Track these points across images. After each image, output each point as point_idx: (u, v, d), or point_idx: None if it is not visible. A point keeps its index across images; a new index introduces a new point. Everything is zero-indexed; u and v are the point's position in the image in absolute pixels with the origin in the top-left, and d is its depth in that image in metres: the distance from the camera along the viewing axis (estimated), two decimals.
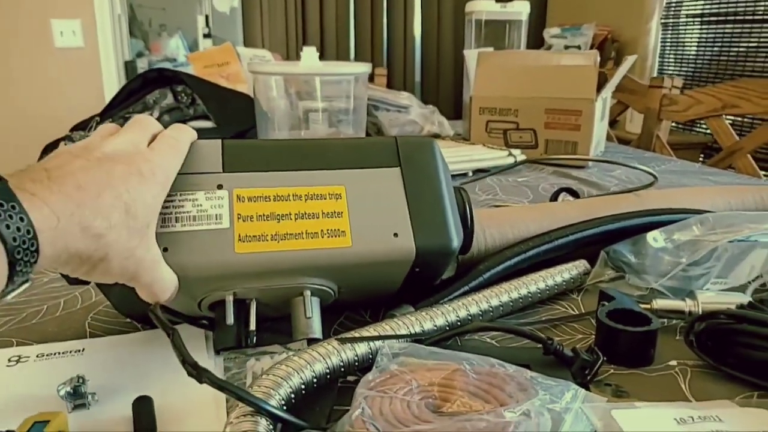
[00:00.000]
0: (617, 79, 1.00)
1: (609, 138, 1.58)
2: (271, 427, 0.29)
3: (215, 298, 0.39)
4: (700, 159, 1.99)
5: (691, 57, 2.26)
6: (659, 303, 0.44)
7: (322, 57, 2.66)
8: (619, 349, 0.40)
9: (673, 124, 2.25)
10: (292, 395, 0.32)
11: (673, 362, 0.40)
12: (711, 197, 0.61)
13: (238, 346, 0.39)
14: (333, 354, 0.35)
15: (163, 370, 0.38)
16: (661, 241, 0.52)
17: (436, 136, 1.18)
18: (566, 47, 2.28)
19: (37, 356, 0.39)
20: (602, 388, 0.38)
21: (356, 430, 0.28)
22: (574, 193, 0.70)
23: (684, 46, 2.30)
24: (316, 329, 0.40)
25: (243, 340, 0.39)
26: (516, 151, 0.98)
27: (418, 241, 0.40)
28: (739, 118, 1.90)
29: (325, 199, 0.40)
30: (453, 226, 0.42)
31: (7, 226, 0.25)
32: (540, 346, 0.38)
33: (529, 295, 0.46)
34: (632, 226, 0.54)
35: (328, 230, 0.39)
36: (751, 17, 1.97)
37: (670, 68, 2.37)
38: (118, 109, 0.91)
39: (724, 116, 1.27)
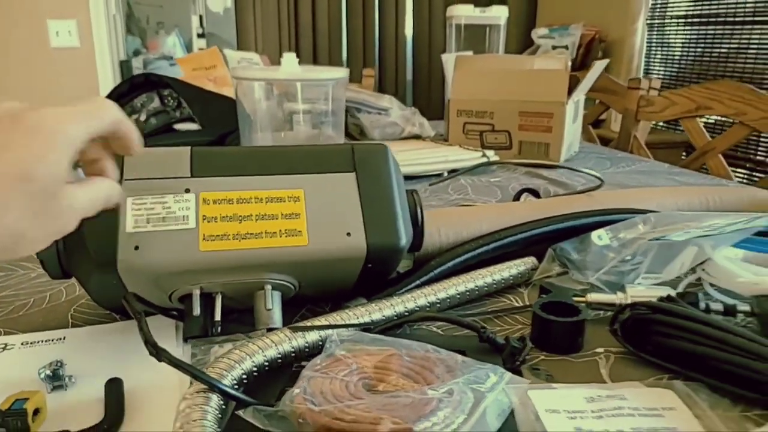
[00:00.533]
0: (588, 83, 1.04)
1: (591, 138, 1.62)
2: (222, 403, 0.33)
3: (184, 291, 0.43)
4: (683, 157, 2.03)
5: (675, 57, 2.30)
6: (593, 296, 0.48)
7: (314, 57, 2.70)
8: (551, 337, 0.44)
9: (661, 124, 2.30)
10: (244, 376, 0.36)
11: (600, 349, 0.44)
12: (660, 198, 0.65)
13: (204, 335, 0.43)
14: (285, 341, 0.39)
15: (136, 356, 0.42)
16: (605, 239, 0.56)
17: (417, 137, 1.21)
18: (554, 47, 2.32)
19: (21, 344, 0.43)
20: (533, 373, 0.42)
21: (295, 405, 0.32)
22: (536, 194, 0.74)
23: (669, 46, 2.34)
24: (276, 320, 0.44)
25: (209, 329, 0.43)
26: (490, 152, 1.02)
27: (369, 239, 0.44)
28: (714, 119, 1.94)
29: (284, 201, 0.44)
30: (402, 226, 0.46)
31: None
32: (476, 334, 0.42)
33: (476, 288, 0.50)
34: (579, 225, 0.58)
35: (286, 230, 0.43)
36: (732, 19, 2.01)
37: (655, 68, 2.41)
38: None
39: (698, 117, 1.31)
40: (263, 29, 2.63)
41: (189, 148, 0.45)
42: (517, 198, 0.75)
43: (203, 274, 0.42)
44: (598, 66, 1.02)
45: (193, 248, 0.41)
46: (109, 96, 0.96)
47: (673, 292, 0.46)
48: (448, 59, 1.10)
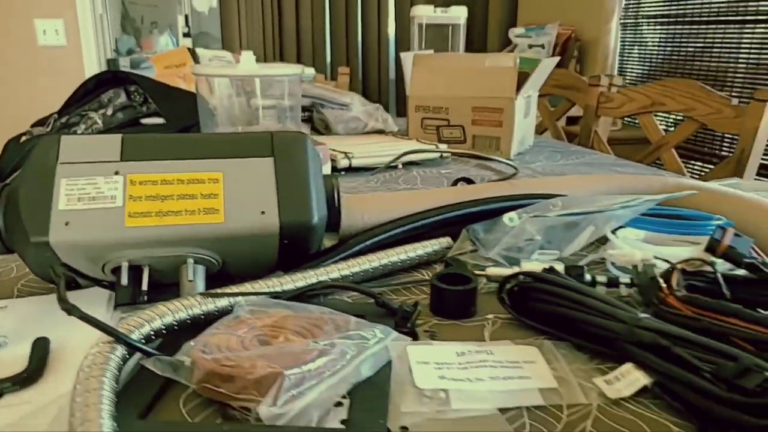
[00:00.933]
0: (537, 80, 1.09)
1: (558, 134, 1.67)
2: (127, 354, 0.38)
3: (114, 264, 0.48)
4: None
5: (648, 56, 2.35)
6: (492, 270, 0.53)
7: (298, 56, 2.74)
8: (444, 304, 0.49)
9: (627, 120, 2.35)
10: (152, 334, 0.40)
11: (490, 316, 0.49)
12: (578, 184, 0.70)
13: (132, 303, 0.48)
14: (195, 306, 0.44)
15: (67, 320, 0.46)
16: (516, 221, 0.60)
17: (381, 131, 1.26)
18: (530, 46, 2.37)
19: None
20: (424, 335, 0.46)
21: (191, 354, 0.37)
22: (471, 182, 0.79)
23: (642, 45, 2.39)
24: (199, 290, 0.48)
25: (137, 297, 0.48)
26: (443, 146, 1.07)
27: (282, 217, 0.49)
28: (673, 117, 2.00)
29: (204, 183, 0.49)
30: (315, 205, 0.50)
31: None
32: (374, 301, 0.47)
33: (389, 264, 0.55)
34: (495, 208, 0.62)
35: (204, 209, 0.48)
36: (698, 19, 2.06)
37: (630, 66, 2.46)
38: (74, 107, 0.99)
39: (653, 113, 1.36)
40: (248, 28, 2.68)
41: (121, 135, 0.50)
42: (453, 186, 0.80)
43: (129, 247, 0.47)
44: (546, 63, 1.07)
45: (119, 224, 0.46)
46: (76, 92, 1.01)
47: (560, 266, 0.51)
48: (407, 57, 1.15)
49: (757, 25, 1.84)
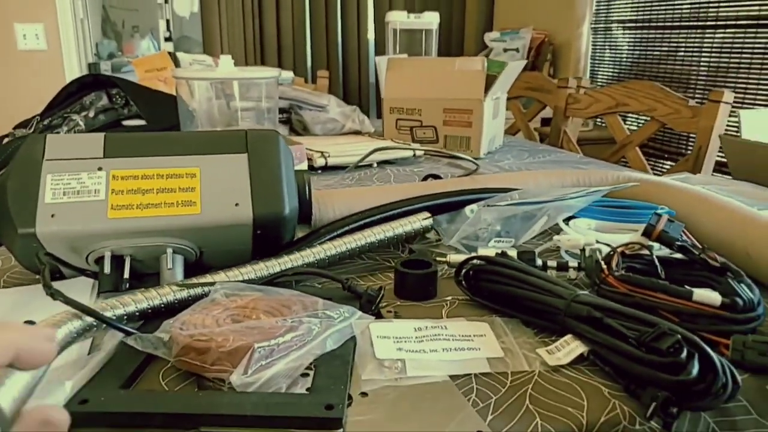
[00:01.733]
0: (504, 82, 1.14)
1: (531, 135, 1.72)
2: (95, 325, 0.41)
3: (98, 254, 0.51)
4: None
5: (617, 60, 2.42)
6: (452, 257, 0.57)
7: (279, 60, 2.76)
8: (406, 287, 0.53)
9: (599, 121, 2.42)
10: (125, 316, 0.44)
11: (449, 297, 0.53)
12: (537, 178, 0.74)
13: (115, 290, 0.51)
14: (169, 294, 0.47)
15: (52, 306, 0.50)
16: (477, 211, 0.65)
17: (357, 132, 1.30)
18: (505, 50, 2.43)
19: None
20: (388, 316, 0.50)
21: (169, 331, 0.41)
22: (439, 178, 0.83)
23: (612, 49, 2.46)
24: (177, 278, 0.52)
25: (119, 285, 0.51)
26: (416, 145, 1.11)
27: (255, 209, 0.53)
28: (641, 117, 2.08)
29: (182, 177, 0.53)
30: (286, 198, 0.54)
31: None
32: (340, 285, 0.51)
33: (357, 248, 0.58)
34: (459, 200, 0.67)
35: (182, 201, 0.52)
36: (663, 24, 2.14)
37: (601, 70, 2.53)
38: (57, 110, 1.02)
39: (617, 114, 1.41)
40: (229, 33, 2.70)
41: (104, 134, 0.54)
42: (423, 181, 0.84)
43: (112, 237, 0.50)
44: (513, 66, 1.12)
45: (101, 216, 0.50)
46: (58, 95, 1.04)
47: (513, 252, 0.55)
48: (381, 61, 1.19)
49: (717, 31, 1.92)
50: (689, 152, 2.01)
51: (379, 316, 0.49)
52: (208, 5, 2.65)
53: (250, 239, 0.55)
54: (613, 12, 2.44)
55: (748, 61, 1.83)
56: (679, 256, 0.55)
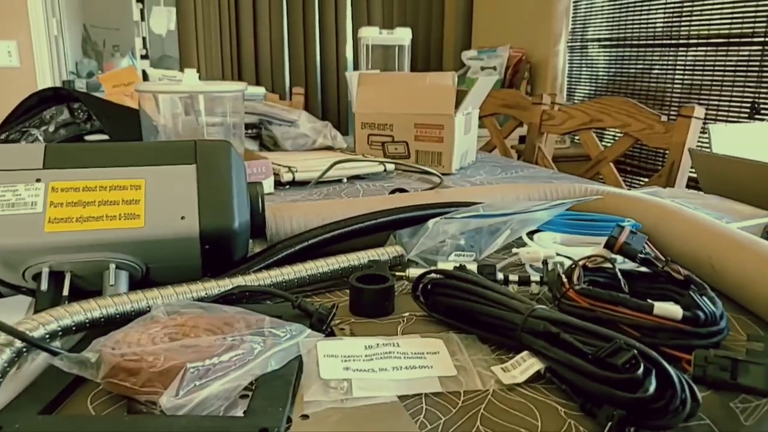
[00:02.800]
0: (475, 97, 1.13)
1: (507, 151, 1.72)
2: (24, 348, 0.38)
3: (35, 270, 0.49)
4: None
5: (595, 77, 2.45)
6: (411, 271, 0.55)
7: (257, 78, 2.74)
8: (361, 303, 0.51)
9: (577, 139, 2.43)
10: (60, 331, 0.41)
11: (406, 313, 0.51)
12: (503, 191, 0.73)
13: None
14: (110, 306, 0.44)
15: None
16: (435, 224, 0.63)
17: (329, 148, 1.28)
18: (482, 68, 2.44)
19: None
20: (342, 334, 0.48)
21: (98, 349, 0.38)
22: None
23: (588, 66, 2.49)
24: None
25: (58, 303, 0.48)
26: (383, 160, 1.09)
27: (202, 222, 0.50)
28: (614, 133, 2.09)
29: (126, 189, 0.50)
30: (236, 210, 0.52)
31: None
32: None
33: (328, 272, 0.56)
34: (421, 215, 0.65)
35: (125, 214, 0.49)
36: (638, 42, 2.16)
37: (578, 87, 2.56)
38: (14, 124, 0.99)
39: (592, 129, 1.41)
40: (206, 50, 2.69)
41: (45, 144, 0.51)
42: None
43: (50, 252, 0.48)
44: (484, 82, 1.11)
45: (38, 229, 0.47)
46: (16, 109, 1.01)
47: (473, 266, 0.54)
48: (352, 76, 1.18)
49: (689, 49, 1.94)
50: (655, 166, 2.04)
51: (332, 334, 0.47)
52: (184, 22, 2.63)
53: (198, 254, 0.52)
54: (589, 30, 2.47)
55: (720, 77, 1.85)
56: (643, 269, 0.54)
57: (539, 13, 2.47)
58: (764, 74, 1.70)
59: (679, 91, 1.98)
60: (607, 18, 2.34)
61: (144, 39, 2.87)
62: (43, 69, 2.62)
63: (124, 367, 0.37)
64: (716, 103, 1.80)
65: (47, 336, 0.41)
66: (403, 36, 1.29)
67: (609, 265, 0.51)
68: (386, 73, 1.31)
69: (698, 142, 1.19)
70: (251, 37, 2.73)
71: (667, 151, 2.02)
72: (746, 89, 1.75)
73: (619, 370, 0.35)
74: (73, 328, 0.42)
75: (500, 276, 0.54)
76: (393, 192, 0.83)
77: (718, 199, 0.77)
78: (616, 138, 2.17)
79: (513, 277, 0.54)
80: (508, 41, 2.50)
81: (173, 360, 0.36)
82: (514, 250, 0.55)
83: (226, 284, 0.51)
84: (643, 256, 0.50)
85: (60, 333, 0.42)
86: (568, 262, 0.54)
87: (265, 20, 2.73)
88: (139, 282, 0.52)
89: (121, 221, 0.49)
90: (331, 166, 0.97)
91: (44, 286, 0.48)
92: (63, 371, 0.38)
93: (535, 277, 0.54)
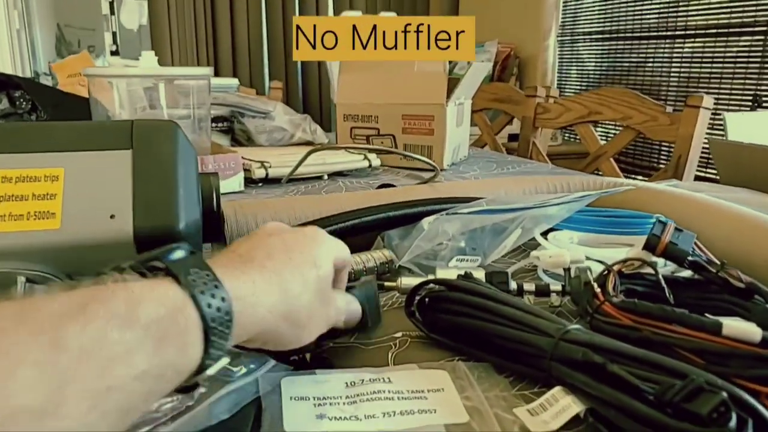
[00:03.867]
0: (469, 85, 1.03)
1: (497, 147, 1.63)
2: None
3: None
4: None
5: (585, 72, 2.37)
6: (404, 280, 0.44)
7: (234, 71, 2.61)
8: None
9: (567, 135, 2.35)
10: None
11: (398, 334, 0.41)
12: (507, 186, 0.63)
13: None
14: None
15: None
16: (433, 222, 0.53)
17: (309, 143, 1.18)
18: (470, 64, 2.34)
19: None
20: (319, 362, 0.38)
21: None
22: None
23: (579, 61, 2.41)
24: None
25: None
26: (372, 156, 0.99)
27: (136, 221, 0.39)
28: (609, 126, 2.01)
29: (39, 181, 0.39)
30: (182, 207, 0.41)
31: (202, 292, 0.25)
32: None
33: None
34: (412, 213, 0.55)
35: (36, 212, 0.38)
36: (631, 35, 2.09)
37: (568, 82, 2.48)
38: None
39: (590, 123, 1.32)
40: (180, 45, 2.56)
41: None
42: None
43: None
44: (477, 68, 1.02)
45: None
46: None
47: (480, 273, 0.43)
48: (333, 65, 1.07)
49: (687, 41, 1.87)
50: (661, 166, 1.96)
51: (303, 363, 0.37)
52: (157, 16, 2.51)
53: None
54: (579, 24, 2.39)
55: (720, 69, 1.77)
56: (686, 274, 0.44)
57: (528, 7, 2.39)
58: (766, 64, 1.63)
59: (676, 84, 1.91)
60: (598, 10, 2.27)
61: (114, 34, 2.73)
62: (4, 64, 2.48)
63: None
64: (716, 95, 1.73)
65: None
66: None
67: (648, 270, 0.41)
68: (370, 60, 1.20)
69: (706, 133, 1.10)
70: (228, 31, 2.61)
71: (664, 148, 1.96)
72: (747, 80, 1.68)
73: (703, 420, 0.25)
74: None
75: (513, 285, 0.44)
76: (379, 187, 0.72)
77: (746, 192, 0.68)
78: (613, 133, 2.09)
79: (528, 286, 0.44)
80: (495, 36, 2.41)
81: None
82: (533, 254, 0.45)
83: None
84: (692, 258, 0.40)
85: None
86: (594, 267, 0.44)
87: (243, 11, 2.61)
88: None
89: (31, 222, 0.38)
90: (306, 156, 0.86)
91: None
92: None
93: (556, 285, 0.44)
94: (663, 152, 2.00)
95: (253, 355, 0.34)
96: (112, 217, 0.39)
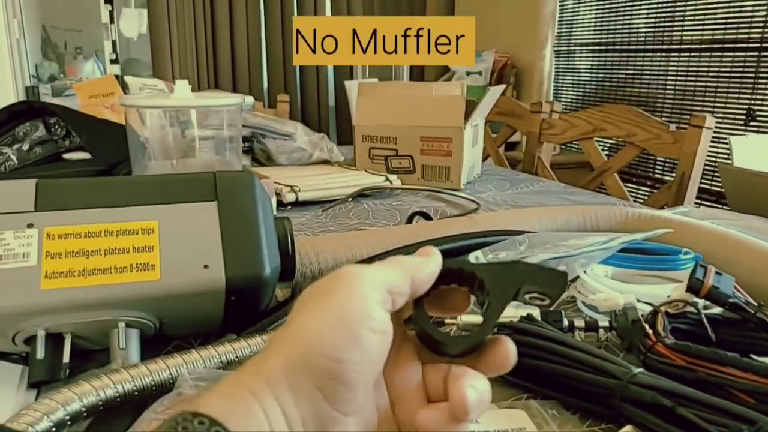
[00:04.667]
0: (485, 108, 1.07)
1: (501, 161, 1.67)
2: None
3: (28, 333, 0.41)
4: None
5: (581, 83, 2.42)
6: (464, 318, 0.48)
7: (234, 83, 2.64)
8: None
9: (574, 144, 2.41)
10: (68, 419, 0.33)
11: None
12: (539, 217, 0.67)
13: (51, 380, 0.40)
14: (127, 380, 0.37)
15: None
16: (482, 259, 0.56)
17: (326, 161, 1.21)
18: (468, 73, 2.40)
19: None
20: None
21: None
22: (428, 217, 0.75)
23: (575, 72, 2.47)
24: (133, 359, 0.41)
25: (56, 372, 0.40)
26: (392, 176, 1.03)
27: (228, 271, 0.43)
28: (611, 141, 2.07)
29: (136, 234, 0.42)
30: (266, 255, 0.44)
31: None
32: None
33: None
34: (458, 247, 0.58)
35: (137, 264, 0.41)
36: (627, 47, 2.15)
37: (564, 93, 2.53)
38: None
39: (594, 138, 1.37)
40: (180, 54, 2.58)
41: (35, 180, 0.43)
42: (409, 221, 0.76)
43: (46, 314, 0.40)
44: (494, 91, 1.06)
45: (33, 287, 0.39)
46: None
47: (535, 312, 0.47)
48: (351, 86, 1.11)
49: (681, 54, 1.93)
50: (657, 176, 2.02)
51: None
52: (157, 26, 2.52)
53: (221, 307, 0.45)
54: (575, 35, 2.45)
55: (714, 84, 1.84)
56: (717, 310, 0.48)
57: (524, 17, 2.44)
58: (760, 80, 1.69)
59: (671, 97, 1.97)
60: (594, 22, 2.32)
61: (114, 42, 2.74)
62: (5, 74, 2.48)
63: None
64: (710, 110, 1.79)
65: (53, 429, 0.33)
66: None
67: (689, 308, 0.46)
68: (388, 82, 1.24)
69: (708, 151, 1.15)
70: (228, 40, 2.63)
71: (659, 161, 2.02)
72: (741, 96, 1.74)
73: None
74: (84, 413, 0.35)
75: (566, 322, 0.47)
76: (412, 216, 0.76)
77: (760, 220, 0.72)
78: (615, 146, 2.14)
79: (579, 323, 0.48)
80: (492, 45, 2.46)
81: None
82: (591, 297, 0.49)
83: (257, 343, 0.43)
84: (732, 300, 0.44)
85: (69, 422, 0.34)
86: (639, 305, 0.48)
87: (242, 21, 2.63)
88: (148, 339, 0.45)
89: (134, 273, 0.41)
90: (360, 191, 0.90)
91: (40, 353, 0.40)
92: None
93: (604, 322, 0.48)
94: (659, 163, 2.06)
95: None
96: (206, 267, 0.42)
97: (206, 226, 0.44)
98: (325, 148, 1.21)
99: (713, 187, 1.76)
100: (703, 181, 1.72)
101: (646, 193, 2.03)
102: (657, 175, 2.05)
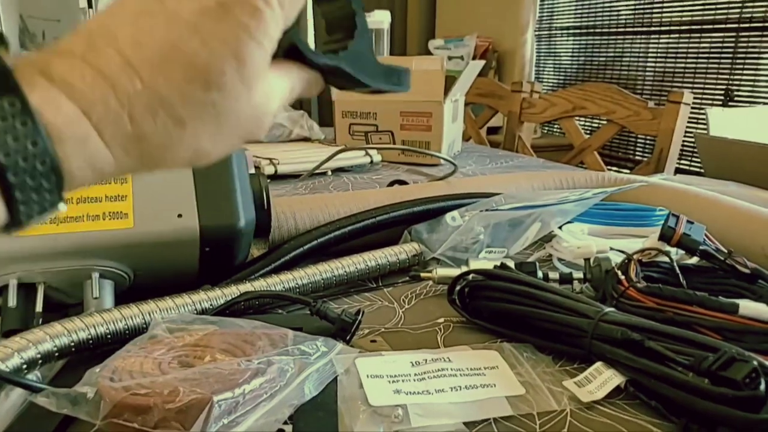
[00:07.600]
0: (465, 83, 1.07)
1: (482, 141, 1.68)
2: None
3: (0, 282, 0.40)
4: None
5: (563, 66, 2.44)
6: (439, 271, 0.49)
7: None
8: None
9: (547, 128, 2.42)
10: (40, 358, 0.33)
11: (441, 320, 0.45)
12: (516, 182, 0.67)
13: (24, 328, 0.40)
14: (100, 324, 0.37)
15: None
16: (459, 220, 0.57)
17: (306, 139, 1.21)
18: (450, 58, 2.39)
19: None
20: (371, 346, 0.41)
21: (95, 384, 0.30)
22: (406, 184, 0.75)
23: (557, 55, 2.48)
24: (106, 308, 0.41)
25: (30, 321, 0.40)
26: (373, 152, 1.03)
27: (202, 220, 0.43)
28: (590, 120, 2.08)
29: (109, 183, 0.42)
30: (241, 206, 0.44)
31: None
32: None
33: (345, 275, 0.49)
34: (435, 208, 0.59)
35: (110, 213, 0.41)
36: (608, 30, 2.16)
37: (546, 76, 2.54)
38: None
39: (575, 117, 1.38)
40: None
41: None
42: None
43: (18, 261, 0.39)
44: (473, 66, 1.06)
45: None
46: None
47: (510, 262, 0.48)
48: None
49: (661, 36, 1.95)
50: (638, 157, 2.04)
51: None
52: None
53: (196, 258, 0.45)
54: (556, 18, 2.45)
55: (693, 64, 1.85)
56: (693, 260, 0.49)
57: (506, 1, 2.44)
58: (738, 60, 1.72)
59: (651, 78, 1.99)
60: (575, 5, 2.33)
61: None
62: None
63: (130, 404, 0.29)
64: (690, 89, 1.81)
65: (24, 366, 0.33)
66: (381, 18, 1.23)
67: (662, 258, 0.46)
68: None
69: (687, 127, 1.16)
70: None
71: (648, 138, 2.03)
72: (720, 76, 1.76)
73: (738, 385, 0.29)
74: (56, 353, 0.34)
75: (540, 274, 0.48)
76: (392, 184, 0.76)
77: (734, 185, 0.73)
78: (595, 126, 2.16)
79: (553, 275, 0.48)
80: (474, 30, 2.46)
81: (194, 393, 0.29)
82: (563, 245, 0.50)
83: (232, 292, 0.43)
84: (703, 248, 0.45)
85: (40, 361, 0.34)
86: (611, 257, 0.48)
87: None
88: (124, 292, 0.44)
89: (106, 222, 0.41)
90: (333, 155, 0.90)
91: (12, 301, 0.39)
92: (48, 411, 0.30)
93: (578, 274, 0.48)
94: (639, 144, 2.08)
95: (320, 338, 0.37)
96: (179, 216, 0.42)
97: (180, 176, 0.43)
98: (305, 125, 1.21)
99: (692, 167, 1.79)
100: (682, 161, 1.74)
101: (624, 173, 2.06)
102: (638, 157, 2.07)
